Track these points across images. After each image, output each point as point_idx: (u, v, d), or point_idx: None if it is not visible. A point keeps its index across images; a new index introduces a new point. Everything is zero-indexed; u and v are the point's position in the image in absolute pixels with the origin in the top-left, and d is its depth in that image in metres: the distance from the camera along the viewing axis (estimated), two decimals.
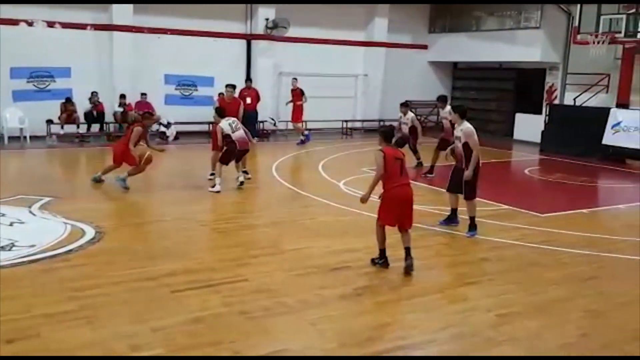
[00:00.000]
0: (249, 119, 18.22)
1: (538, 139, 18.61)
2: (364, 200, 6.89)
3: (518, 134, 20.54)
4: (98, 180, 10.91)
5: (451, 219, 8.85)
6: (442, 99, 13.46)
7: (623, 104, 17.19)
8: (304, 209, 9.87)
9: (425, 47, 23.11)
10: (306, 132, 18.13)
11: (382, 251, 6.98)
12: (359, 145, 18.63)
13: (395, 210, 6.73)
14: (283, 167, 13.89)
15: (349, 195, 10.76)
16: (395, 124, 12.56)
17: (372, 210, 9.38)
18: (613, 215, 10.52)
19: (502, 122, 21.94)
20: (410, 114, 14.06)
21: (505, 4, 20.10)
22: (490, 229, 8.81)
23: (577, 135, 16.86)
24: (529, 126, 19.82)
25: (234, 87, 13.08)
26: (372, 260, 7.01)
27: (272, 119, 19.40)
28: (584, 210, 10.43)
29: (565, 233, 8.71)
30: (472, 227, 8.40)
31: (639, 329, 5.49)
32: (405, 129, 13.86)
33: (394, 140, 7.02)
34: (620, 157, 16.03)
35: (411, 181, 7.19)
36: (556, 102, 19.72)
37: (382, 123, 21.56)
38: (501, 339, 5.22)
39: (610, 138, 16.32)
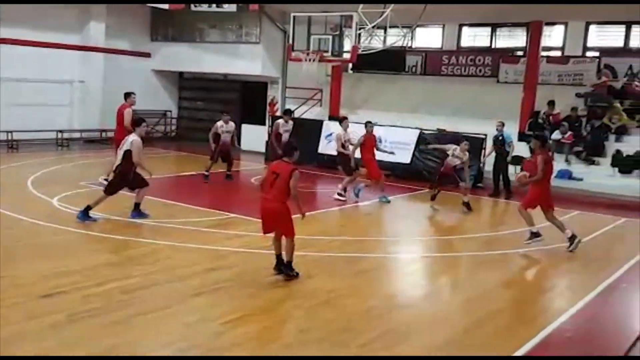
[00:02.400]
0: None
1: (263, 149, 19.49)
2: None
3: (245, 144, 21.13)
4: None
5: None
6: None
7: (334, 117, 19.04)
8: (7, 232, 8.69)
9: (148, 55, 22.55)
10: None
11: (277, 257, 7.19)
12: (78, 157, 17.36)
13: (263, 220, 7.13)
14: None
15: (63, 213, 9.92)
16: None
17: (88, 229, 8.86)
18: (328, 217, 11.48)
19: None
20: (291, 122, 14.25)
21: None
22: (217, 238, 8.93)
23: (297, 145, 18.02)
24: (254, 136, 20.63)
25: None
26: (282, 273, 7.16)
27: None
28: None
29: None
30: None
31: (348, 319, 6.05)
32: (287, 136, 13.85)
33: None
34: (333, 164, 17.61)
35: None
36: (278, 113, 20.91)
37: (104, 134, 20.50)
38: (226, 346, 5.28)
39: (324, 147, 17.86)
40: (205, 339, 5.41)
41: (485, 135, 15.44)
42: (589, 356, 5.64)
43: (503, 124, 14.24)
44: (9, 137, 17.68)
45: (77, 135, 20.15)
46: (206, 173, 13.80)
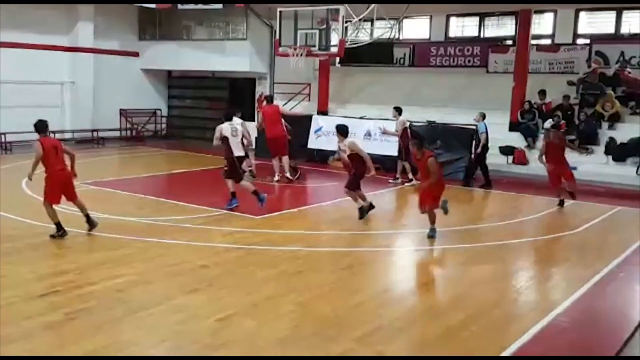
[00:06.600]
0: None
1: (253, 145, 19.47)
2: (29, 177, 8.43)
3: None
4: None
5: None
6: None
7: (323, 111, 19.09)
8: (2, 233, 8.68)
9: (136, 54, 22.50)
10: None
11: (58, 224, 8.39)
12: None
13: (57, 190, 8.39)
14: None
15: (59, 213, 9.88)
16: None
17: (85, 227, 8.90)
18: (319, 212, 11.56)
19: None
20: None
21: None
22: (209, 234, 8.99)
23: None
24: None
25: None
26: (51, 236, 8.34)
27: None
28: (294, 210, 11.25)
29: (278, 232, 9.30)
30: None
31: (338, 315, 6.10)
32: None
33: None
34: (323, 159, 17.68)
35: None
36: None
37: (96, 134, 20.49)
38: (220, 342, 5.34)
39: (314, 142, 17.89)
40: (200, 335, 5.47)
41: (476, 126, 15.45)
42: (585, 356, 5.49)
43: (483, 116, 14.06)
44: (2, 139, 17.70)
45: (69, 135, 20.15)
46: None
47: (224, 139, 10.56)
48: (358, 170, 10.14)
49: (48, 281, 6.70)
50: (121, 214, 10.00)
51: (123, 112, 22.18)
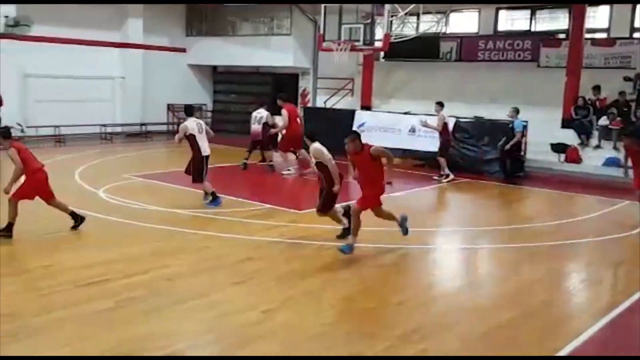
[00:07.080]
0: None
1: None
2: (5, 191, 7.79)
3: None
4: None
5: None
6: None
7: (366, 106, 18.94)
8: (55, 221, 8.85)
9: (183, 50, 22.87)
10: None
11: (10, 225, 7.89)
12: (121, 150, 17.80)
13: (36, 187, 8.04)
14: None
15: (109, 204, 10.24)
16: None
17: (134, 219, 9.08)
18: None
19: None
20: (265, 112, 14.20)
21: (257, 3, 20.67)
22: (254, 228, 9.02)
23: (328, 136, 17.79)
24: None
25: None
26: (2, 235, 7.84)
27: (20, 125, 17.55)
28: (337, 205, 11.12)
29: (321, 227, 9.19)
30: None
31: (380, 311, 6.05)
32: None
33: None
34: None
35: None
36: (310, 104, 20.94)
37: (144, 127, 20.91)
38: (259, 334, 5.34)
39: None
40: (242, 327, 5.50)
41: (526, 122, 15.04)
42: (589, 356, 5.31)
43: (517, 111, 13.90)
44: (56, 132, 18.28)
45: (119, 129, 20.69)
46: None
47: (191, 137, 10.16)
48: (330, 184, 8.27)
49: (98, 269, 6.83)
50: (168, 206, 10.15)
51: (170, 107, 22.57)
